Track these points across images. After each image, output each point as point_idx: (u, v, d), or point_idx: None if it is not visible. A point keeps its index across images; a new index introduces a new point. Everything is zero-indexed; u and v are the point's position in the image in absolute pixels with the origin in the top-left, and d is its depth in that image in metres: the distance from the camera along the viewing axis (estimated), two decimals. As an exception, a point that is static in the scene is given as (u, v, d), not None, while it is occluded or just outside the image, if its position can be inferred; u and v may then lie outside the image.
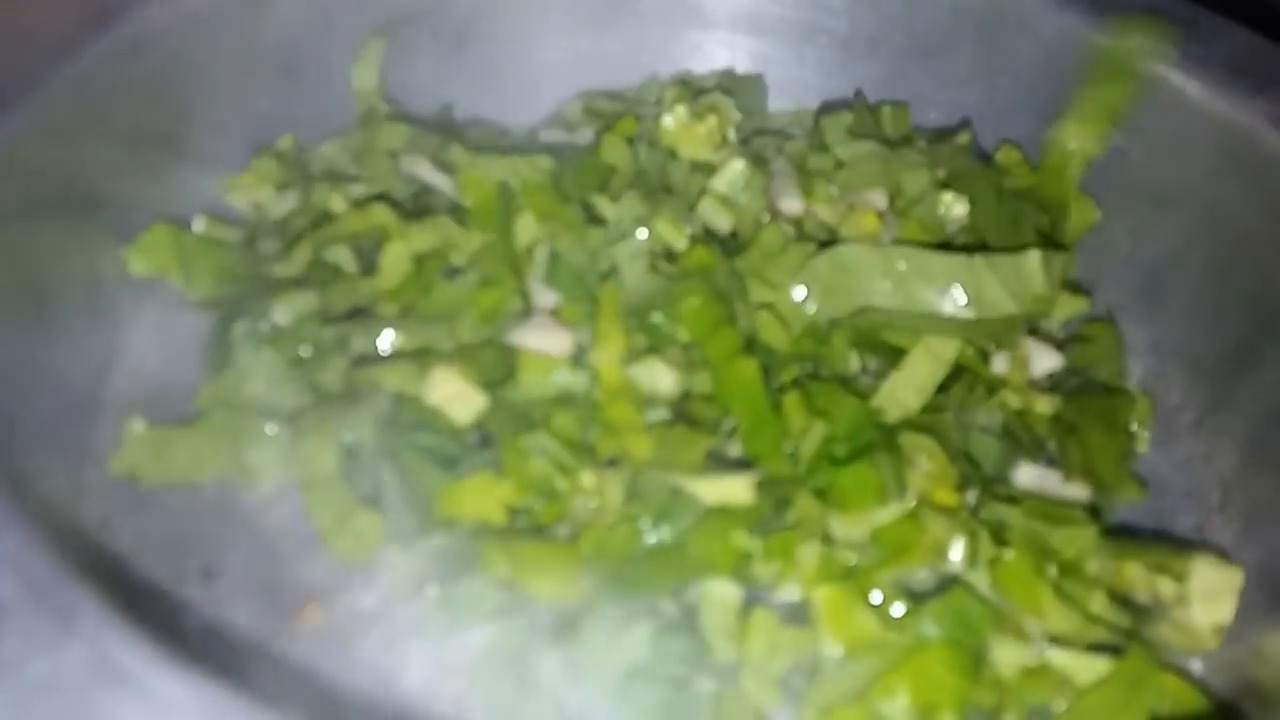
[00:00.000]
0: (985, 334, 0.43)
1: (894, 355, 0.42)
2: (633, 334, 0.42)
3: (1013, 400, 0.43)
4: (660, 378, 0.41)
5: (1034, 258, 0.43)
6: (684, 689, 0.35)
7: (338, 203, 0.46)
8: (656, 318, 0.42)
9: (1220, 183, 0.45)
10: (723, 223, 0.46)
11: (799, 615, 0.36)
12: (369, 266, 0.44)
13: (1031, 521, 0.38)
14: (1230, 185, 0.45)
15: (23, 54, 0.41)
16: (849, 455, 0.39)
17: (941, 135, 0.52)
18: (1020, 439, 0.42)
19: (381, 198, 0.46)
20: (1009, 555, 0.37)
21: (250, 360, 0.41)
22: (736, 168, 0.47)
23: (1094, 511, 0.40)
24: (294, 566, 0.38)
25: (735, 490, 0.38)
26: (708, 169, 0.48)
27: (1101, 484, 0.42)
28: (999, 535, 0.38)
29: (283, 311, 0.43)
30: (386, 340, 0.42)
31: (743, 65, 0.56)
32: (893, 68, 0.54)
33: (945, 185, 0.47)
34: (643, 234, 0.44)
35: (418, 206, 0.47)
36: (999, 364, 0.44)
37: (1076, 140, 0.48)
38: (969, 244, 0.46)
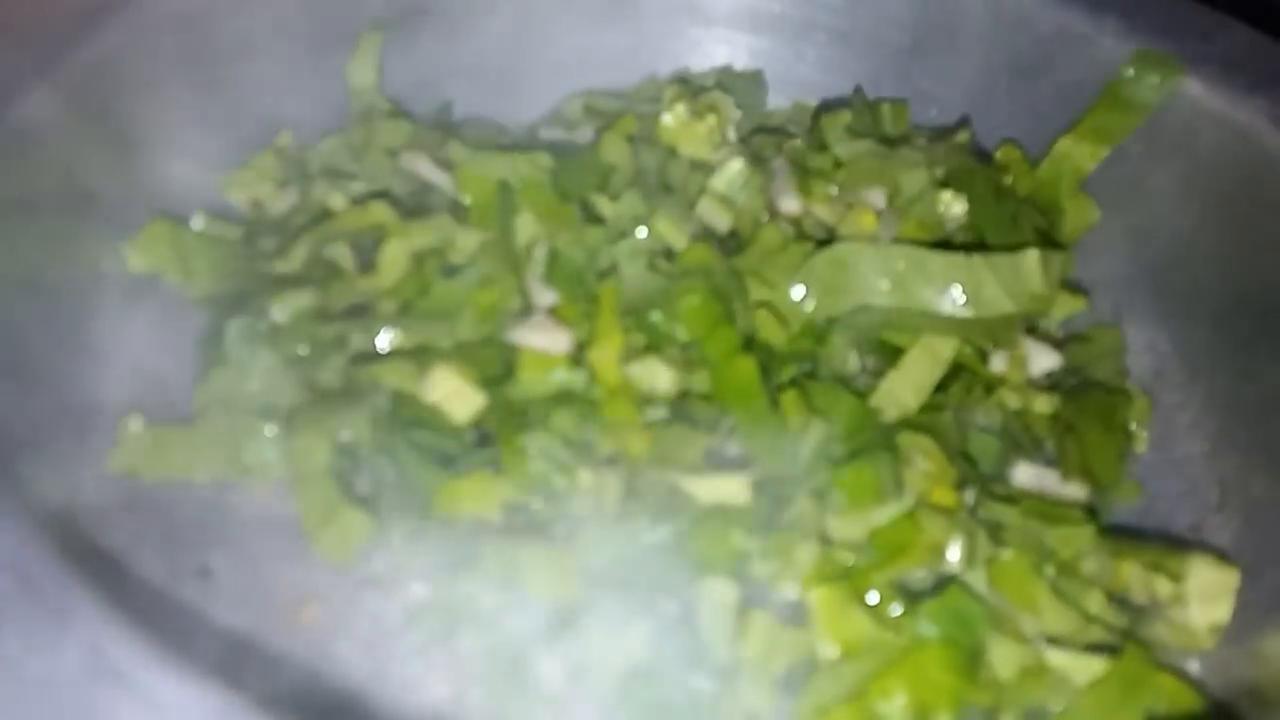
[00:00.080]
0: (984, 333, 0.43)
1: (892, 354, 0.42)
2: (631, 333, 0.42)
3: (1011, 400, 0.43)
4: (659, 376, 0.41)
5: (1032, 257, 0.43)
6: (681, 688, 0.35)
7: (337, 200, 0.46)
8: (655, 316, 0.42)
9: (1220, 181, 0.45)
10: (722, 222, 0.46)
11: (797, 614, 0.36)
12: (367, 264, 0.44)
13: (1028, 521, 0.38)
14: (1230, 183, 0.45)
15: (21, 50, 0.41)
16: (847, 455, 0.39)
17: (941, 133, 0.52)
18: (1018, 438, 0.42)
19: (381, 195, 0.46)
20: (1006, 555, 0.37)
21: (248, 358, 0.41)
22: (735, 167, 0.47)
23: (1091, 511, 0.40)
24: (291, 566, 0.38)
25: (733, 489, 0.38)
26: (707, 168, 0.48)
27: (1099, 483, 0.42)
28: (996, 535, 0.38)
29: (281, 309, 0.42)
30: (385, 338, 0.42)
31: (742, 62, 0.56)
32: (892, 64, 0.54)
33: (944, 184, 0.47)
34: (642, 233, 0.44)
35: (417, 204, 0.47)
36: (997, 363, 0.44)
37: (1070, 158, 0.49)
38: (967, 243, 0.46)
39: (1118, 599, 0.38)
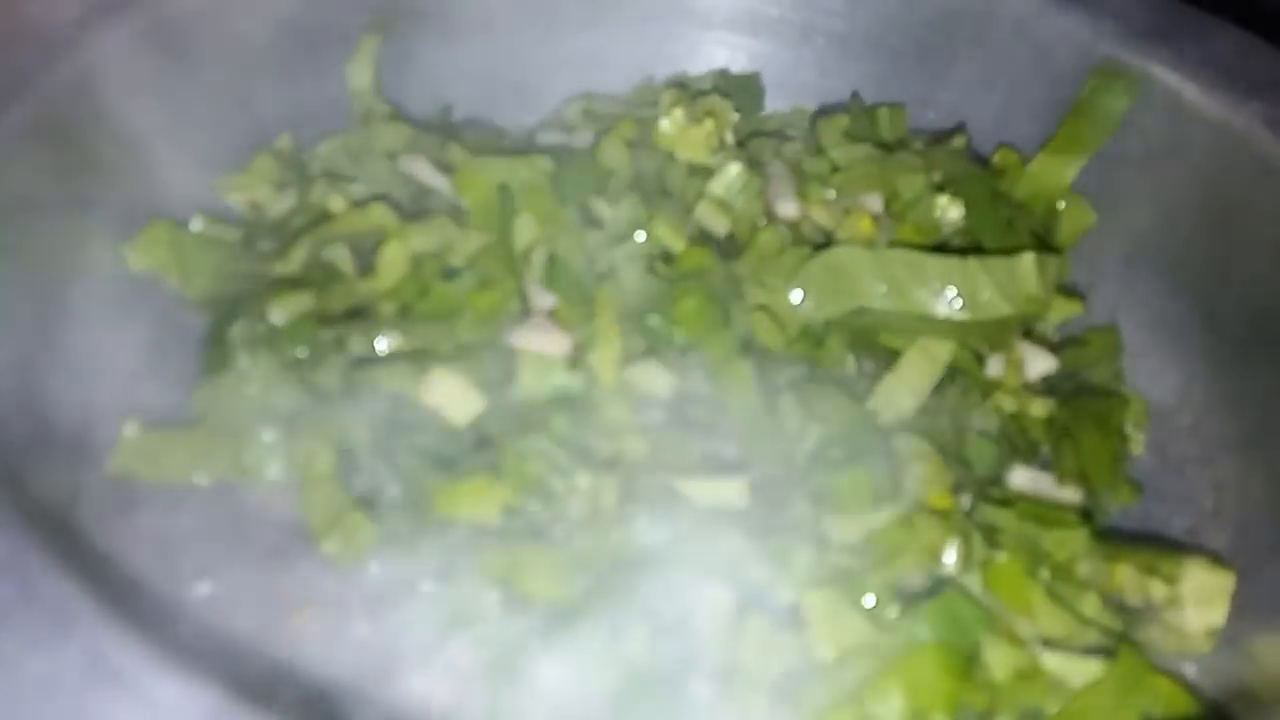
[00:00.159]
0: (980, 336, 0.43)
1: (889, 358, 0.43)
2: (630, 336, 0.42)
3: (1007, 403, 0.43)
4: (657, 379, 0.41)
5: (1028, 260, 0.43)
6: (678, 691, 0.35)
7: (337, 202, 0.46)
8: (653, 320, 0.42)
9: (1216, 185, 0.45)
10: (720, 226, 0.46)
11: (794, 617, 0.36)
12: (366, 267, 0.44)
13: (1023, 524, 0.38)
14: (1226, 187, 0.45)
15: (21, 52, 0.41)
16: (844, 458, 0.39)
17: (938, 138, 0.52)
18: (1014, 442, 0.42)
19: (380, 198, 0.47)
20: (1002, 558, 0.37)
21: (247, 361, 0.41)
22: (733, 171, 0.47)
23: (1087, 514, 0.40)
24: (290, 568, 0.38)
25: (730, 492, 0.38)
26: (705, 172, 0.48)
27: (1095, 487, 0.42)
28: (992, 538, 0.38)
29: (279, 311, 0.43)
30: (384, 341, 0.42)
31: (740, 65, 0.56)
32: (890, 68, 0.54)
33: (940, 188, 0.48)
34: (640, 237, 0.44)
35: (416, 207, 0.47)
36: (994, 367, 0.44)
37: (1049, 173, 0.49)
38: (964, 247, 0.46)
39: (1113, 602, 0.39)
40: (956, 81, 0.52)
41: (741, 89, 0.55)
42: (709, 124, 0.49)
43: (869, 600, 0.36)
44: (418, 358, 0.41)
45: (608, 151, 0.48)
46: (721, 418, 0.41)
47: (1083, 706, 0.35)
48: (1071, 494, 0.41)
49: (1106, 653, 0.36)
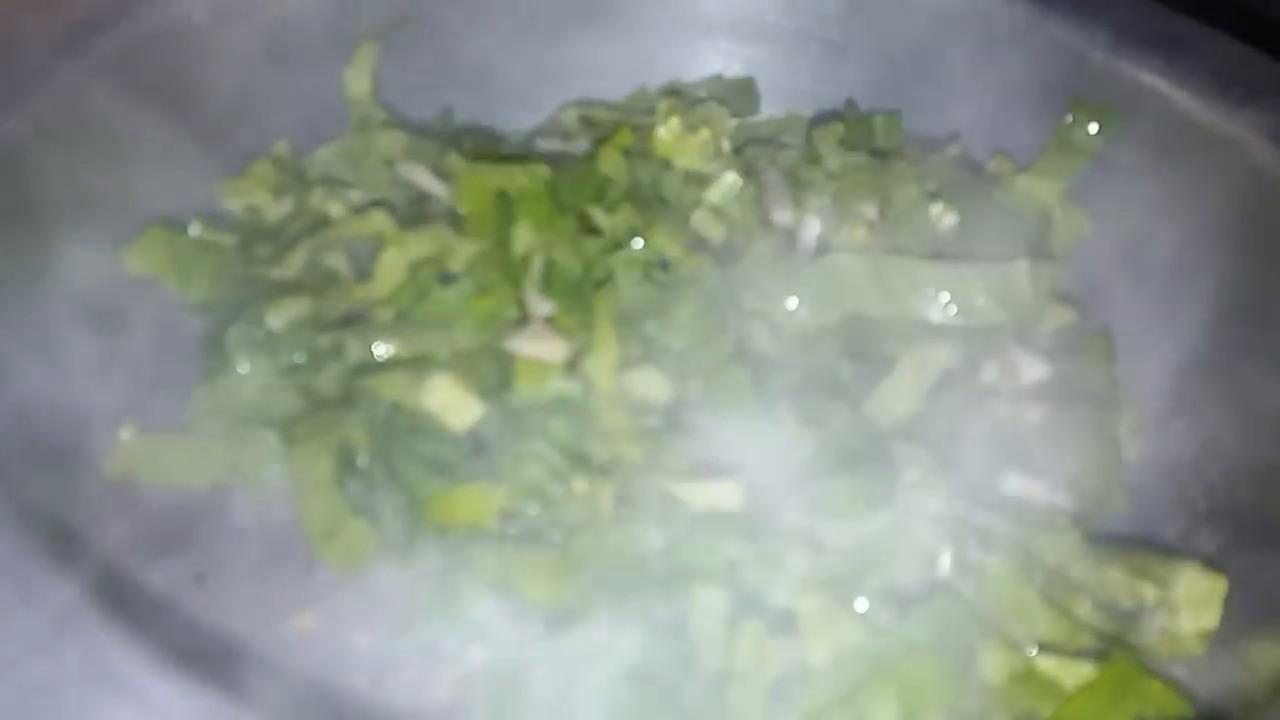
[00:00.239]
0: (974, 343, 0.44)
1: (884, 363, 0.43)
2: (627, 342, 0.42)
3: (1001, 409, 0.43)
4: (653, 385, 0.41)
5: (1022, 267, 0.44)
6: (674, 695, 0.35)
7: (335, 208, 0.47)
8: (650, 326, 0.42)
9: (1210, 192, 0.45)
10: (716, 233, 0.46)
11: (788, 621, 0.36)
12: (363, 273, 0.45)
13: (1016, 528, 0.39)
14: (1220, 195, 0.45)
15: (20, 57, 0.41)
16: (839, 463, 0.39)
17: (933, 146, 0.52)
18: (1008, 448, 0.42)
19: (378, 204, 0.47)
20: (995, 562, 0.38)
21: (245, 365, 0.41)
22: (729, 179, 0.47)
23: (1080, 519, 0.40)
24: (288, 570, 0.38)
25: (725, 496, 0.38)
26: (701, 180, 0.48)
27: (1088, 492, 0.42)
28: (985, 542, 0.38)
29: (277, 316, 0.43)
30: (382, 347, 0.42)
31: (736, 72, 0.56)
32: (885, 76, 0.54)
33: (935, 196, 0.48)
34: (638, 244, 0.44)
35: (414, 213, 0.47)
36: (988, 373, 0.44)
37: (1032, 194, 0.50)
38: (959, 254, 0.46)
39: (1106, 605, 0.39)
40: (952, 89, 0.52)
41: (737, 93, 0.55)
42: (705, 132, 0.49)
43: (862, 604, 0.36)
44: (416, 363, 0.41)
45: (605, 159, 0.48)
46: (718, 423, 0.41)
47: (1076, 709, 0.35)
48: (1064, 499, 0.41)
49: (1100, 656, 0.36)
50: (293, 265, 0.45)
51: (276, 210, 0.48)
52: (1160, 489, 0.45)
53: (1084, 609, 0.38)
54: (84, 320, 0.41)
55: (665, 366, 0.42)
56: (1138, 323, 0.48)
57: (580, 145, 0.52)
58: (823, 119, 0.54)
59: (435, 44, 0.53)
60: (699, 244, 0.46)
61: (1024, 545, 0.38)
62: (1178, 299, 0.47)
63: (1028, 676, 0.36)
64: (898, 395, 0.42)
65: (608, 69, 0.55)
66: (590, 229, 0.46)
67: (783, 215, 0.48)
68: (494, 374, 0.41)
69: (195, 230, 0.46)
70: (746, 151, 0.51)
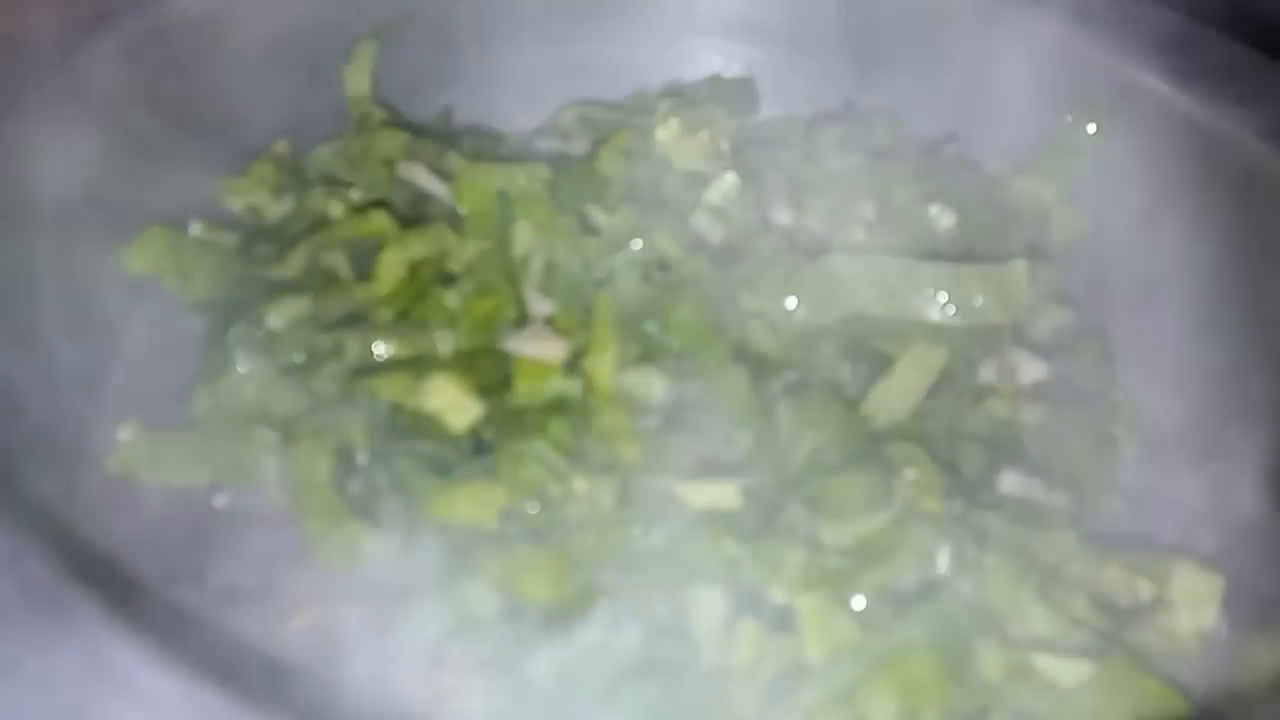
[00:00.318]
0: (973, 342, 0.44)
1: (883, 363, 0.43)
2: (626, 343, 0.42)
3: (999, 409, 0.43)
4: (653, 385, 0.41)
5: (1020, 267, 0.44)
6: (674, 693, 0.35)
7: (335, 208, 0.47)
8: (650, 327, 0.42)
9: (1208, 194, 0.45)
10: (715, 234, 0.47)
11: (787, 619, 0.36)
12: (363, 272, 0.45)
13: (1013, 527, 0.39)
14: (1218, 196, 0.45)
15: (21, 57, 0.41)
16: (838, 462, 0.39)
17: (931, 147, 0.52)
18: (1006, 447, 0.42)
19: (379, 204, 0.47)
20: (992, 560, 0.38)
21: (245, 365, 0.42)
22: (729, 180, 0.47)
23: (1077, 518, 0.41)
24: (289, 568, 0.38)
25: (724, 496, 0.38)
26: (701, 180, 0.48)
27: (1086, 492, 0.42)
28: (982, 541, 0.38)
29: (277, 316, 0.43)
30: (382, 346, 0.42)
31: (736, 72, 0.57)
32: (884, 76, 0.54)
33: (934, 197, 0.48)
34: (637, 245, 0.44)
35: (415, 213, 0.47)
36: (986, 372, 0.44)
37: (1031, 195, 0.50)
38: (957, 254, 0.46)
39: (1103, 604, 0.39)
40: (950, 90, 0.52)
41: (737, 94, 0.55)
42: (705, 133, 0.49)
43: (860, 602, 0.36)
44: (416, 363, 0.41)
45: (605, 160, 0.48)
46: (717, 423, 0.41)
47: (1074, 707, 0.35)
48: (1061, 499, 0.41)
49: (1097, 654, 0.36)
50: (293, 265, 0.45)
51: (276, 210, 0.48)
52: (1157, 488, 0.45)
53: (1081, 607, 0.38)
54: (85, 319, 0.41)
55: (664, 366, 0.42)
56: (1135, 323, 0.48)
57: (580, 145, 0.52)
58: (822, 119, 0.54)
59: (435, 43, 0.53)
60: (698, 244, 0.46)
61: (1021, 544, 0.38)
62: (1176, 299, 0.47)
63: (1025, 675, 0.36)
64: (896, 395, 0.42)
65: (608, 69, 0.55)
66: (590, 229, 0.46)
67: (782, 216, 0.48)
68: (494, 374, 0.41)
69: (196, 230, 0.46)
70: (746, 152, 0.51)
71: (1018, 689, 0.36)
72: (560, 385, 0.41)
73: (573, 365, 0.42)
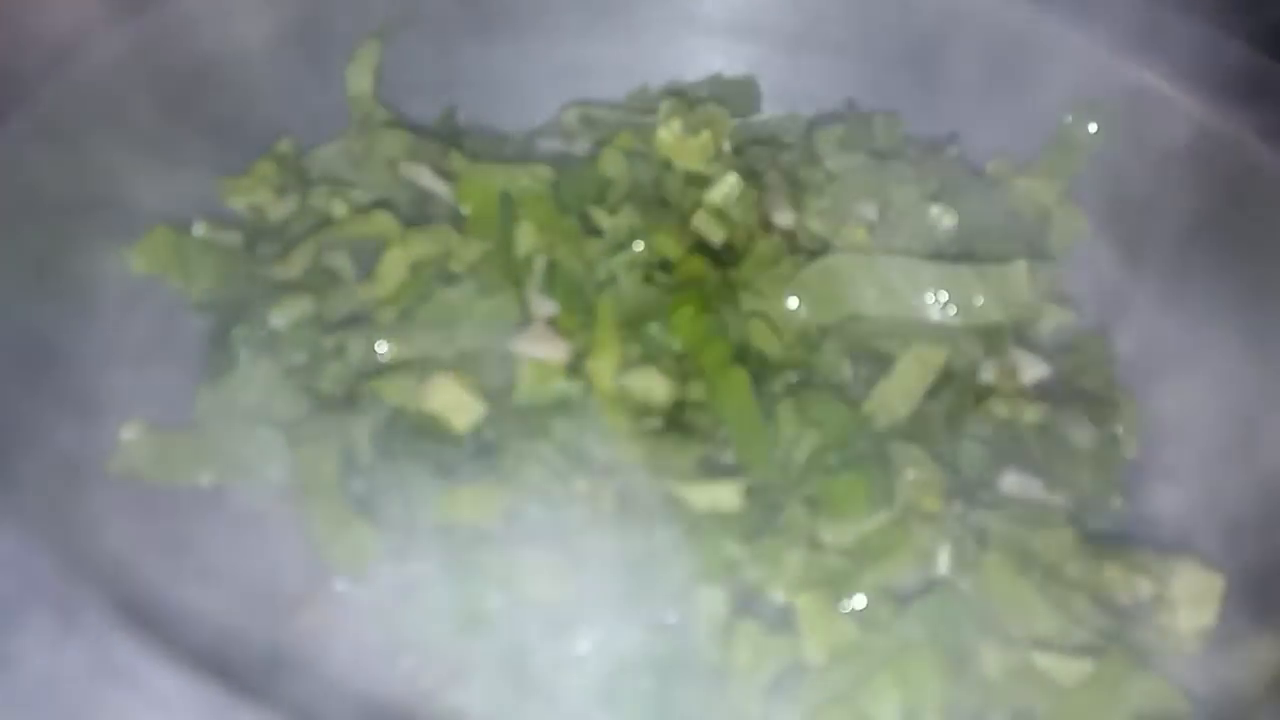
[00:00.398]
0: (974, 342, 0.44)
1: (884, 363, 0.43)
2: (628, 344, 0.42)
3: (1000, 409, 0.43)
4: (655, 386, 0.41)
5: (1021, 267, 0.44)
6: (674, 691, 0.35)
7: (338, 208, 0.47)
8: (652, 328, 0.42)
9: (1210, 194, 0.46)
10: (717, 234, 0.47)
11: (787, 619, 0.37)
12: (366, 272, 0.45)
13: (1013, 526, 0.39)
14: (1219, 195, 0.45)
15: (24, 58, 0.41)
16: (839, 462, 0.39)
17: (933, 146, 0.52)
18: (1006, 447, 0.42)
19: (381, 204, 0.47)
20: (992, 559, 0.38)
21: (248, 365, 0.42)
22: (730, 181, 0.47)
23: (1078, 518, 0.41)
24: (292, 566, 0.38)
25: (725, 496, 0.38)
26: (702, 181, 0.48)
27: (1087, 491, 0.42)
28: (982, 540, 0.38)
29: (280, 316, 0.43)
30: (385, 347, 0.42)
31: (737, 72, 0.57)
32: (885, 76, 0.54)
33: (935, 197, 0.48)
34: (639, 246, 0.44)
35: (417, 213, 0.47)
36: (987, 372, 0.44)
37: (1032, 194, 0.50)
38: (958, 254, 0.46)
39: (1104, 602, 0.39)
40: (951, 90, 0.52)
41: (738, 93, 0.55)
42: (706, 134, 0.49)
43: (860, 601, 0.36)
44: (419, 364, 0.42)
45: (607, 161, 0.48)
46: (718, 423, 0.41)
47: (1074, 705, 0.36)
48: (1062, 498, 0.41)
49: (1097, 653, 0.37)
50: (296, 265, 0.45)
51: (279, 209, 0.48)
52: (1159, 488, 0.45)
53: (1082, 606, 0.38)
54: (89, 319, 0.42)
55: (666, 367, 0.42)
56: (1136, 323, 0.48)
57: (581, 145, 0.52)
58: (823, 120, 0.54)
59: (437, 43, 0.53)
60: (700, 245, 0.46)
61: (1022, 542, 0.38)
62: (1176, 299, 0.47)
63: (1026, 673, 0.36)
64: (897, 395, 0.42)
65: (609, 68, 0.55)
66: (592, 230, 0.46)
67: (783, 217, 0.48)
68: (496, 374, 0.41)
69: (199, 230, 0.46)
70: (747, 152, 0.51)
71: (1018, 688, 0.36)
72: (562, 386, 0.41)
73: (575, 366, 0.42)
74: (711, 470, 0.40)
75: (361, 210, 0.47)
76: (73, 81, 0.42)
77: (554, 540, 0.38)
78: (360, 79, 0.51)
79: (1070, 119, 0.50)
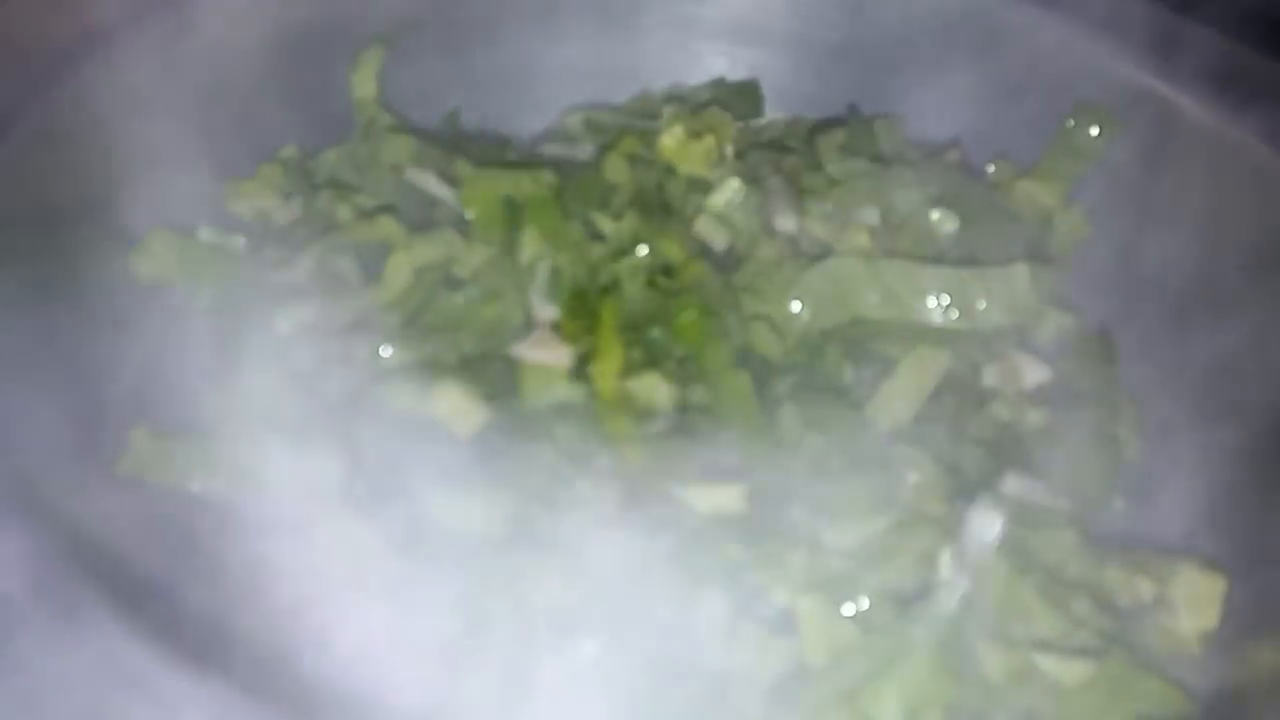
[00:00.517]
0: (975, 346, 0.44)
1: (886, 366, 0.43)
2: (631, 348, 0.42)
3: (1002, 412, 0.44)
4: (658, 391, 0.41)
5: (1022, 271, 0.44)
6: (675, 695, 0.35)
7: (344, 212, 0.47)
8: (655, 332, 0.42)
9: (1211, 196, 0.46)
10: (719, 239, 0.47)
11: (789, 621, 0.37)
12: (370, 277, 0.45)
13: (1014, 528, 0.39)
14: (1221, 199, 0.45)
15: (28, 64, 0.42)
16: (841, 465, 0.39)
17: (934, 151, 0.52)
18: (1008, 450, 0.43)
19: (386, 209, 0.47)
20: (994, 561, 0.38)
21: (253, 369, 0.42)
22: (733, 186, 0.47)
23: (1079, 520, 0.41)
24: (299, 570, 0.38)
25: (727, 499, 0.38)
26: (704, 186, 0.48)
27: (1088, 494, 0.42)
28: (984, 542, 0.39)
29: (285, 320, 0.43)
30: (389, 351, 0.42)
31: (740, 76, 0.57)
32: (887, 80, 0.54)
33: (937, 201, 0.48)
34: (642, 251, 0.44)
35: (422, 218, 0.47)
36: (989, 376, 0.44)
37: (1033, 197, 0.51)
38: (959, 258, 0.47)
39: (1105, 604, 0.39)
40: (953, 94, 0.52)
41: (741, 96, 0.55)
42: (709, 139, 0.49)
43: (862, 604, 0.36)
44: (423, 369, 0.42)
45: (610, 166, 0.48)
46: (720, 427, 0.41)
47: (1076, 706, 0.36)
48: (1064, 502, 0.42)
49: (1099, 654, 0.37)
50: (301, 269, 0.45)
51: (284, 214, 0.48)
52: (1161, 490, 0.45)
53: (1083, 607, 0.38)
54: (96, 322, 0.42)
55: (669, 372, 0.42)
56: (1138, 325, 0.48)
57: (584, 150, 0.52)
58: (825, 124, 0.54)
59: (441, 47, 0.53)
60: (702, 250, 0.46)
61: (1023, 544, 0.39)
62: (1178, 302, 0.47)
63: (1027, 675, 0.36)
64: (899, 398, 0.42)
65: (612, 72, 0.56)
66: (595, 235, 0.46)
67: (785, 221, 0.48)
68: (500, 379, 0.42)
69: (204, 234, 0.46)
70: (749, 157, 0.51)
71: (1020, 689, 0.36)
72: (565, 390, 0.41)
73: (578, 371, 0.42)
74: (714, 473, 0.40)
75: (366, 215, 0.47)
76: (78, 87, 0.42)
77: (556, 544, 0.38)
78: (364, 84, 0.52)
79: (1072, 122, 0.50)
